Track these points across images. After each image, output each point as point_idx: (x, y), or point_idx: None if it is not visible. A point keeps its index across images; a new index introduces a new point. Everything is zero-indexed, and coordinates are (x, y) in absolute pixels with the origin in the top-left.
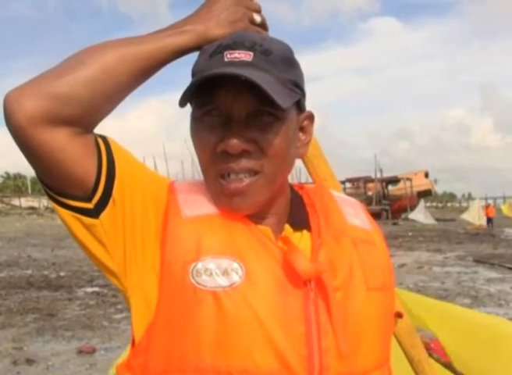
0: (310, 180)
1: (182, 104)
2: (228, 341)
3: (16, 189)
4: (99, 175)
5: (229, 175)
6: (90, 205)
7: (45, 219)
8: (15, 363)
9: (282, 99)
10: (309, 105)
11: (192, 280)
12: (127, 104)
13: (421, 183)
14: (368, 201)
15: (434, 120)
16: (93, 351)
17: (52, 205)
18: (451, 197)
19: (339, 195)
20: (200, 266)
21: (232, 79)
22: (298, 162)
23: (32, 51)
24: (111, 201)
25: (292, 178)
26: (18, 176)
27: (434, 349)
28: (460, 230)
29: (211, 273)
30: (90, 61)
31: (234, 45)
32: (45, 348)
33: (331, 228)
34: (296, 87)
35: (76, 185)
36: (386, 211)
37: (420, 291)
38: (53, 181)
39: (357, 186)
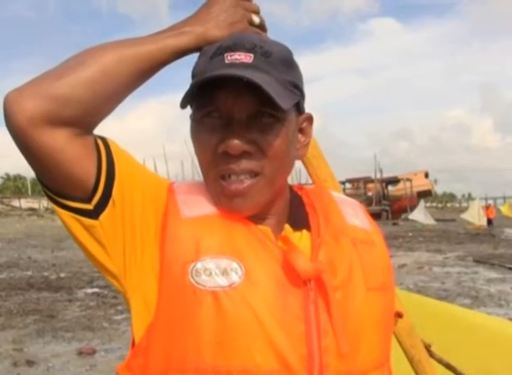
0: (309, 181)
1: (183, 105)
2: (228, 340)
3: (16, 190)
4: (99, 176)
5: (229, 176)
6: (89, 206)
7: (45, 220)
8: (15, 365)
9: (283, 100)
10: (309, 105)
11: (191, 280)
12: (127, 105)
13: (421, 184)
14: (367, 201)
15: (434, 120)
16: (93, 352)
17: (52, 206)
18: (451, 197)
19: (338, 196)
20: (199, 265)
21: (233, 80)
22: (298, 164)
23: (31, 52)
24: (110, 202)
25: (292, 179)
26: (18, 178)
27: None
28: (460, 230)
29: (211, 273)
30: (89, 62)
31: (234, 47)
32: (45, 349)
33: (331, 228)
34: (296, 88)
35: (76, 186)
36: (386, 211)
37: (420, 291)
38: (53, 182)
39: (357, 186)
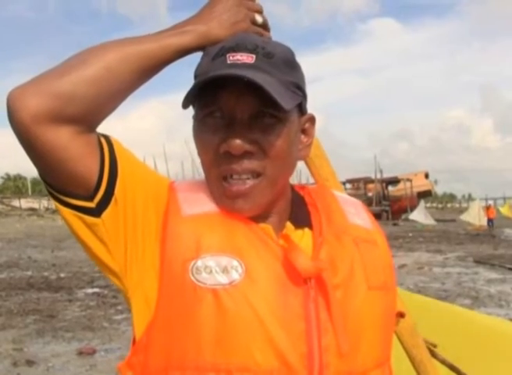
0: (310, 181)
1: (185, 105)
2: (228, 338)
3: (16, 190)
4: (101, 174)
5: (231, 176)
6: (92, 204)
7: (45, 220)
8: (15, 364)
9: (285, 101)
10: (309, 106)
11: (192, 278)
12: (128, 104)
13: (421, 184)
14: (368, 201)
15: (434, 121)
16: (93, 352)
17: (54, 203)
18: (451, 197)
19: (340, 195)
20: (199, 263)
21: (235, 80)
22: (299, 163)
23: (32, 52)
24: (113, 200)
25: (292, 179)
26: (18, 178)
27: None
28: (460, 230)
29: (211, 271)
30: (92, 60)
31: (237, 48)
32: (45, 349)
33: (332, 227)
34: (298, 89)
35: (79, 184)
36: (386, 212)
37: (420, 291)
38: (55, 180)
39: (357, 187)
